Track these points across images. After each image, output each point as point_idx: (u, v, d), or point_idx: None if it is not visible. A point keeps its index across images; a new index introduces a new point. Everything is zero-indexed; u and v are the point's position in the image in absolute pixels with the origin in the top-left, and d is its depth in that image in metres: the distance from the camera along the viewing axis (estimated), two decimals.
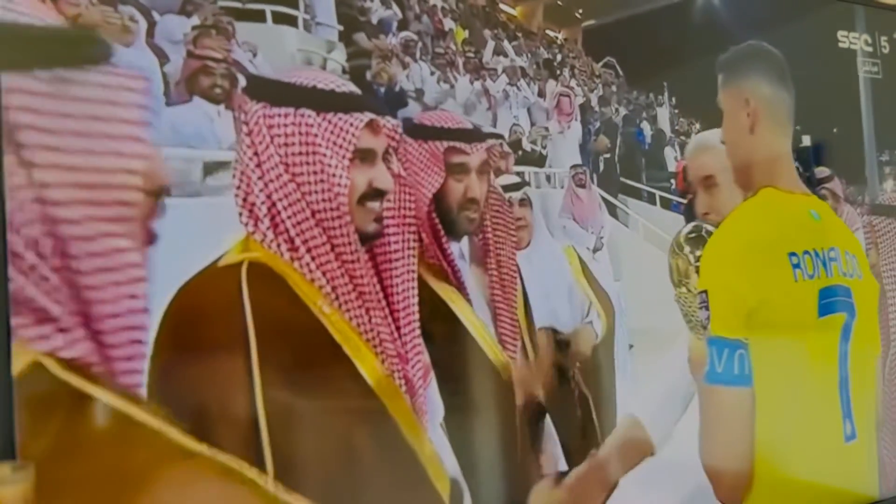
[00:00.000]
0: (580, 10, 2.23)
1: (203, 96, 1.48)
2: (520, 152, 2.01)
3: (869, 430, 1.69)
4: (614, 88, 2.25)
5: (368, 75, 1.72)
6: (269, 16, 1.59)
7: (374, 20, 1.78)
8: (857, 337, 1.66)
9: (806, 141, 2.88)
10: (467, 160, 1.70)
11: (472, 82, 1.96)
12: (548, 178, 2.08)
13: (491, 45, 2.01)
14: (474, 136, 1.74)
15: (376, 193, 1.36)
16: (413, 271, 1.44)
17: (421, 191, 1.64)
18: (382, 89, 1.75)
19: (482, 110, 1.97)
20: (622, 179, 2.27)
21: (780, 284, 1.66)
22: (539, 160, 2.04)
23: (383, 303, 1.38)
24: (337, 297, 1.31)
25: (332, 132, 1.31)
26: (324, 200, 1.30)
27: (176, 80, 1.45)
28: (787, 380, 1.66)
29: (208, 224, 1.44)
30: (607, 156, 2.21)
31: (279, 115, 1.31)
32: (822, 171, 2.74)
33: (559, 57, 2.14)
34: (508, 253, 1.79)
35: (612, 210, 2.22)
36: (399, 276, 1.41)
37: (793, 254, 1.66)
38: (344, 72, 1.71)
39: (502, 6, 2.05)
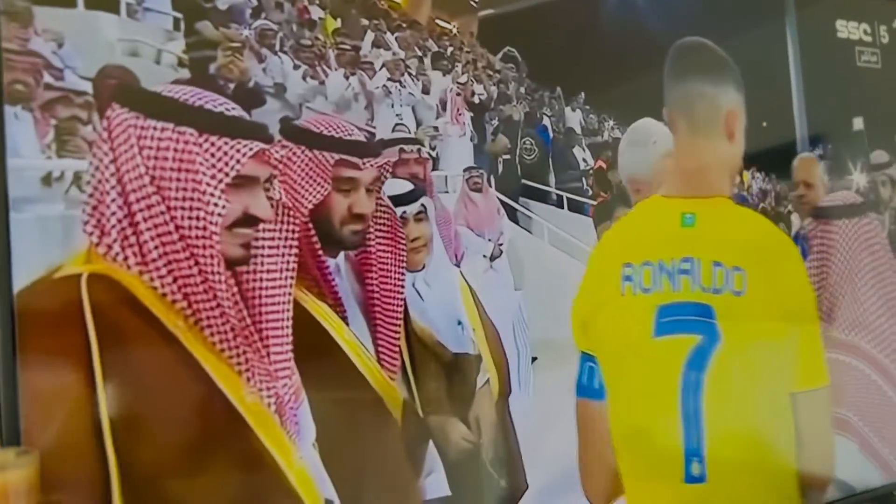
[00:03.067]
0: None
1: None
2: None
3: (743, 477, 1.36)
4: (514, 84, 2.00)
5: (212, 68, 1.46)
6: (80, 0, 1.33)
7: (223, 6, 1.52)
8: (724, 366, 1.34)
9: (858, 124, 2.75)
10: (358, 175, 1.48)
11: (346, 77, 1.70)
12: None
13: (370, 36, 1.75)
14: (368, 149, 1.50)
15: (249, 220, 1.25)
16: (289, 293, 1.32)
17: (299, 201, 1.43)
18: (231, 84, 1.49)
19: (359, 108, 1.71)
20: (525, 182, 2.03)
21: (608, 298, 1.43)
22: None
23: (249, 321, 1.26)
24: (195, 314, 1.20)
25: (213, 155, 1.19)
26: (191, 219, 1.18)
27: None
28: (624, 402, 1.44)
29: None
30: (507, 157, 1.96)
31: (153, 129, 1.18)
32: (879, 156, 2.67)
33: (450, 50, 1.89)
34: (394, 270, 1.56)
35: (513, 214, 1.97)
36: (271, 297, 1.29)
37: (628, 265, 1.40)
38: (182, 65, 1.45)
39: None
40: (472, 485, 1.71)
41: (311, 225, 1.44)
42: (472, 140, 1.90)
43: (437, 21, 1.93)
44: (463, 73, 1.89)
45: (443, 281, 1.73)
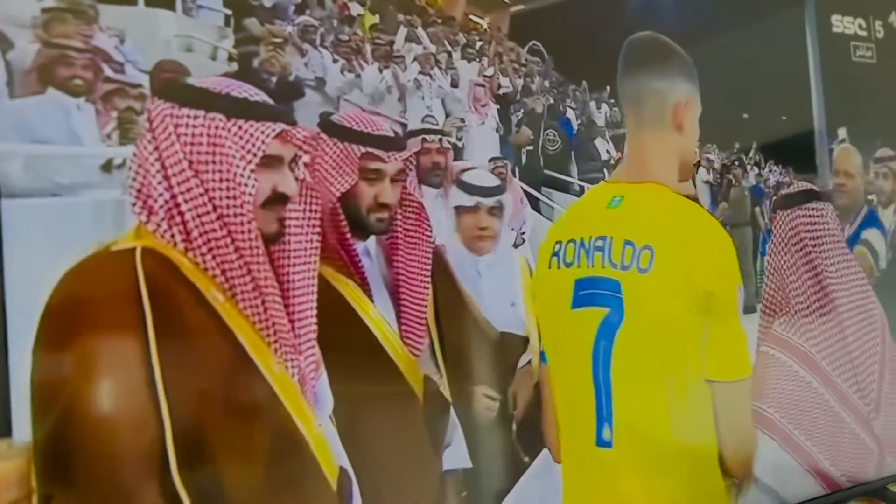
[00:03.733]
0: None
1: (60, 88, 1.31)
2: None
3: (645, 446, 1.42)
4: (539, 77, 2.07)
5: (256, 63, 1.54)
6: None
7: (268, 4, 1.60)
8: (628, 338, 1.41)
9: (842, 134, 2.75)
10: (383, 167, 1.58)
11: (380, 71, 1.78)
12: None
13: (403, 31, 1.82)
14: (394, 143, 1.59)
15: (279, 198, 1.31)
16: (313, 269, 1.38)
17: (329, 189, 1.53)
18: (274, 78, 1.57)
19: (392, 100, 1.79)
20: (547, 172, 2.09)
21: (542, 273, 1.54)
22: (455, 153, 1.86)
23: (280, 297, 1.31)
24: (231, 288, 1.26)
25: (241, 137, 1.26)
26: (227, 198, 1.25)
27: (25, 69, 1.28)
28: (553, 369, 1.53)
29: (64, 226, 1.30)
30: (530, 148, 2.03)
31: (187, 116, 1.25)
32: (884, 151, 2.66)
33: (479, 44, 1.96)
34: (420, 255, 1.66)
35: (536, 204, 2.05)
36: (298, 273, 1.35)
37: (558, 242, 1.50)
38: (231, 59, 1.53)
39: None
40: (498, 454, 1.80)
41: (340, 211, 1.53)
42: (497, 131, 1.97)
43: (471, 17, 1.99)
44: (489, 66, 1.96)
45: (505, 265, 1.85)
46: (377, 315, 1.60)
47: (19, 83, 1.27)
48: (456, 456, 1.72)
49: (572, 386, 1.49)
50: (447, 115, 1.88)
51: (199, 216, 1.24)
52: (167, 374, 1.18)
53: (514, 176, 1.99)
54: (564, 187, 2.14)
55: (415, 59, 1.82)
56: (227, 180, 1.25)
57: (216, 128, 1.25)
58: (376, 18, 1.79)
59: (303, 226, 1.37)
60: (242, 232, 1.25)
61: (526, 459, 1.80)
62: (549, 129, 2.08)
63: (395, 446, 1.58)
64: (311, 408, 1.36)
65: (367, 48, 1.76)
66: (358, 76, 1.73)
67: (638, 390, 1.44)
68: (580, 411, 1.47)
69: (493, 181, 1.81)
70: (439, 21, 1.91)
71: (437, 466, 1.68)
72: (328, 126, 1.55)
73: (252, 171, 1.25)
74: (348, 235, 1.55)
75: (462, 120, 1.89)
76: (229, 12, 1.53)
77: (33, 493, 1.13)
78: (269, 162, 1.28)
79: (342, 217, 1.53)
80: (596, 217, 1.49)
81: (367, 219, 1.57)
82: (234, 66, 1.53)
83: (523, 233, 2.00)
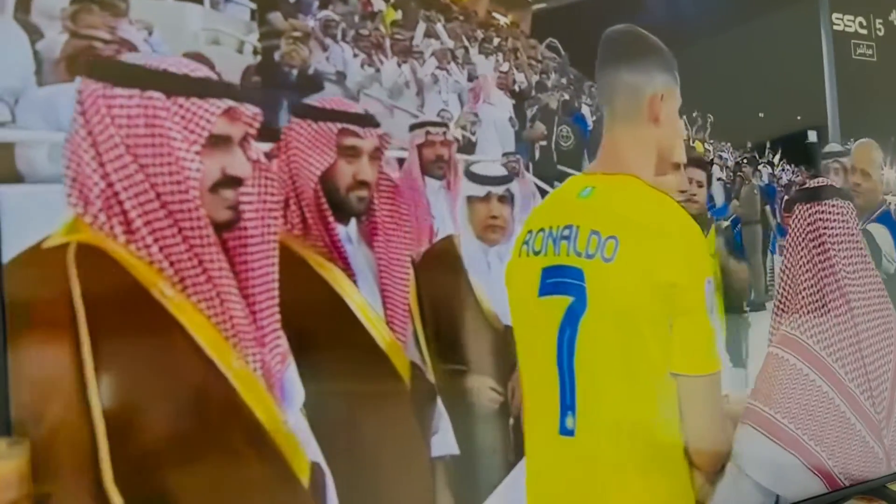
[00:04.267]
0: None
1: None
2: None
3: (606, 435, 1.42)
4: (555, 74, 2.08)
5: (277, 56, 1.57)
6: None
7: None
8: (591, 327, 1.40)
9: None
10: (360, 144, 1.57)
11: (399, 65, 1.80)
12: None
13: (422, 26, 1.84)
14: (368, 120, 1.59)
15: (230, 181, 1.24)
16: (273, 257, 1.31)
17: (309, 170, 1.51)
18: (294, 71, 1.60)
19: (410, 95, 1.81)
20: (560, 167, 2.11)
21: (513, 260, 1.56)
22: (468, 147, 1.88)
23: (237, 288, 1.25)
24: (182, 281, 1.19)
25: (183, 117, 1.19)
26: (171, 184, 1.17)
27: (54, 58, 1.30)
28: (522, 356, 1.55)
29: None
30: (544, 143, 2.05)
31: (122, 97, 1.17)
32: (833, 146, 2.67)
33: (496, 40, 1.98)
34: (399, 238, 1.65)
35: None
36: (257, 261, 1.29)
37: (530, 231, 1.53)
38: (256, 53, 1.56)
39: None
40: (492, 446, 1.82)
41: (321, 193, 1.53)
42: (513, 126, 1.98)
43: (494, 14, 2.00)
44: (504, 62, 1.97)
45: None
46: (361, 299, 1.60)
47: (48, 73, 1.30)
48: (444, 443, 1.73)
49: (538, 374, 1.50)
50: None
51: (140, 205, 1.16)
52: (105, 380, 1.13)
53: (528, 170, 2.00)
54: None
55: (432, 54, 1.84)
56: (170, 164, 1.17)
57: (154, 107, 1.17)
58: (398, 15, 1.81)
59: (258, 210, 1.29)
60: (190, 219, 1.18)
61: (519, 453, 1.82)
62: (562, 124, 2.09)
63: (383, 430, 1.59)
64: (279, 403, 1.30)
65: (388, 43, 1.78)
66: (377, 70, 1.75)
67: (601, 379, 1.44)
68: (545, 399, 1.48)
69: (500, 171, 1.84)
70: (462, 18, 1.93)
71: (425, 452, 1.69)
72: (301, 110, 1.55)
73: (197, 152, 1.18)
74: (331, 218, 1.54)
75: (475, 114, 1.90)
76: (255, 6, 1.55)
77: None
78: (216, 142, 1.21)
79: (324, 199, 1.52)
80: (566, 206, 1.51)
81: (348, 198, 1.56)
82: (258, 59, 1.55)
83: None
